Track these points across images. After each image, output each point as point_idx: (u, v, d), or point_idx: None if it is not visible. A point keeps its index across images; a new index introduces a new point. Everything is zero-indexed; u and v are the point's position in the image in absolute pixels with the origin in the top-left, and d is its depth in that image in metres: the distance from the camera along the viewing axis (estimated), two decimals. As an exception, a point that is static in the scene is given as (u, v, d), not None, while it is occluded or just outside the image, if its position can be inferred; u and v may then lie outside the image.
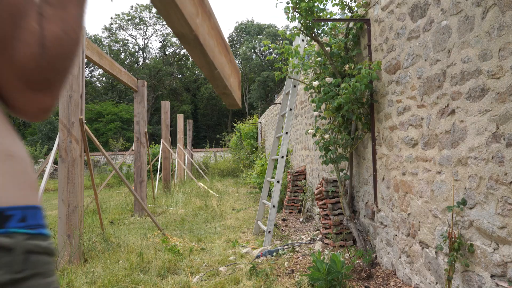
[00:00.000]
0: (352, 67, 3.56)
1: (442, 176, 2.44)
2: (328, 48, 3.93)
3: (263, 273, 3.30)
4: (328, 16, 3.85)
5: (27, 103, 0.50)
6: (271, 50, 30.91)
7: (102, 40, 41.86)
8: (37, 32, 0.48)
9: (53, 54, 0.49)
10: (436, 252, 2.54)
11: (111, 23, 42.65)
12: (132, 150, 9.09)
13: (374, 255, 3.56)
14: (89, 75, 43.04)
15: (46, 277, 0.46)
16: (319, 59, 4.08)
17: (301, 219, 6.13)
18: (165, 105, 11.49)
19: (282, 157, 4.88)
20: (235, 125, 18.46)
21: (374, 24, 3.49)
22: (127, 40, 43.32)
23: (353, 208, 4.13)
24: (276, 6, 3.89)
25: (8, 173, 0.46)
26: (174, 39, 44.00)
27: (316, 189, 4.45)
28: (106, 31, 42.61)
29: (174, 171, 13.45)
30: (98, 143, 4.83)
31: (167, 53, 44.83)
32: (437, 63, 2.47)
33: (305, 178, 6.94)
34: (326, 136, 3.88)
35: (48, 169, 4.38)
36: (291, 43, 5.10)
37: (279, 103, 9.67)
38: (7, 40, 0.46)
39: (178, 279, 3.46)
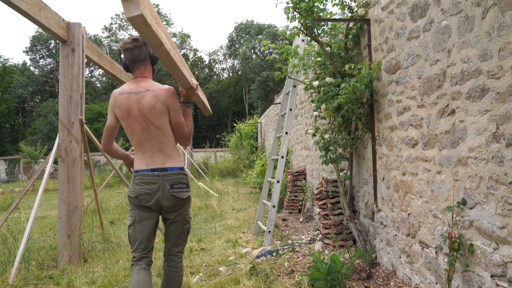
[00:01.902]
0: (352, 67, 3.56)
1: (442, 176, 2.44)
2: (328, 48, 3.93)
3: (263, 273, 3.30)
4: (328, 16, 3.85)
5: (185, 144, 2.47)
6: (271, 50, 30.88)
7: (102, 40, 41.84)
8: (187, 129, 2.41)
9: (190, 133, 2.43)
10: (436, 252, 2.54)
11: (111, 23, 42.64)
12: (132, 150, 9.08)
13: (374, 255, 3.56)
14: (89, 75, 43.03)
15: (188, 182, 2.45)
16: (319, 59, 4.08)
17: (301, 219, 6.13)
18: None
19: (282, 157, 4.88)
20: (235, 125, 18.47)
21: (374, 24, 3.49)
22: (127, 40, 43.26)
23: (353, 208, 4.13)
24: (276, 6, 3.89)
25: (180, 158, 2.41)
26: (174, 39, 43.98)
27: (316, 189, 4.45)
28: (106, 31, 42.60)
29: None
30: (98, 143, 4.83)
31: (167, 53, 44.73)
32: (437, 63, 2.47)
33: (305, 178, 6.94)
34: (326, 136, 3.88)
35: (48, 169, 4.38)
36: (291, 43, 5.09)
37: (279, 103, 9.67)
38: (182, 132, 2.39)
39: (178, 279, 3.46)
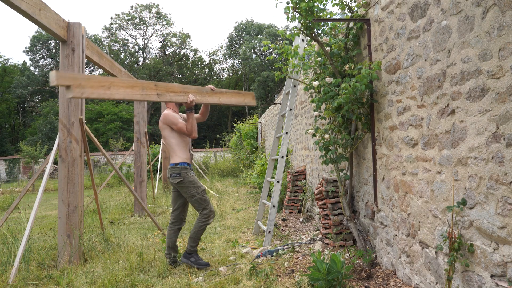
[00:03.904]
0: (352, 67, 3.56)
1: (442, 176, 2.44)
2: (328, 48, 3.93)
3: (263, 273, 3.30)
4: (328, 16, 3.84)
5: (190, 137, 3.87)
6: (271, 50, 30.84)
7: (102, 40, 41.83)
8: (186, 129, 3.79)
9: (189, 131, 3.80)
10: (436, 252, 2.54)
11: (111, 23, 42.64)
12: (132, 150, 9.08)
13: (374, 255, 3.56)
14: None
15: (188, 173, 3.78)
16: (319, 59, 4.08)
17: (301, 219, 6.13)
18: (165, 105, 11.49)
19: (282, 157, 4.88)
20: (235, 125, 18.46)
21: (374, 24, 3.49)
22: (127, 40, 43.32)
23: (353, 208, 4.13)
24: (276, 6, 3.89)
25: (177, 157, 3.79)
26: (174, 39, 43.98)
27: (316, 189, 4.45)
28: (106, 31, 42.60)
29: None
30: (98, 143, 4.83)
31: (167, 53, 44.80)
32: (437, 63, 2.47)
33: (305, 178, 6.94)
34: (326, 136, 3.88)
35: (48, 169, 4.38)
36: (291, 43, 5.09)
37: (279, 103, 9.67)
38: (184, 133, 3.82)
39: (178, 279, 3.46)
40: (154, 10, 42.55)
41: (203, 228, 3.78)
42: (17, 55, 71.79)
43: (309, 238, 4.64)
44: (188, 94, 3.80)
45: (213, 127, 41.69)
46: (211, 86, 4.08)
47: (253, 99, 4.54)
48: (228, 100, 4.29)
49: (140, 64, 43.73)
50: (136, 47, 43.78)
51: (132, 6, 47.74)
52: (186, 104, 3.79)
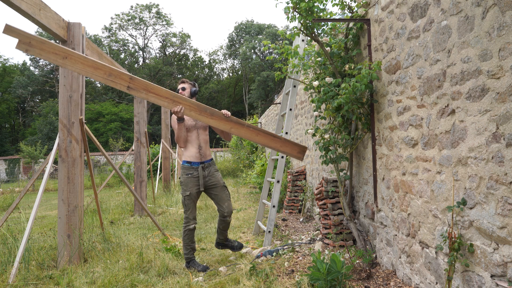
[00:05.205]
0: (352, 67, 3.56)
1: (442, 176, 2.44)
2: (328, 48, 3.93)
3: (263, 273, 3.30)
4: (328, 16, 3.84)
5: (179, 145, 3.80)
6: (271, 50, 30.85)
7: (102, 40, 41.84)
8: (176, 136, 3.68)
9: (176, 140, 3.67)
10: (436, 252, 2.54)
11: (111, 23, 42.65)
12: (132, 150, 9.08)
13: (374, 255, 3.56)
14: (89, 75, 42.97)
15: (184, 174, 3.75)
16: (319, 59, 4.08)
17: (301, 219, 6.13)
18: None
19: (282, 157, 4.88)
20: (235, 125, 18.40)
21: (374, 24, 3.49)
22: (127, 40, 43.32)
23: (353, 208, 4.13)
24: (276, 6, 3.88)
25: (185, 156, 3.77)
26: (174, 39, 43.98)
27: (316, 189, 4.45)
28: (106, 31, 42.60)
29: (174, 171, 13.47)
30: (98, 143, 4.83)
31: (167, 53, 44.81)
32: (437, 63, 2.47)
33: (305, 178, 6.94)
34: (326, 136, 3.88)
35: (48, 169, 4.38)
36: (291, 43, 5.09)
37: (279, 103, 9.67)
38: (180, 140, 3.72)
39: (178, 279, 3.46)
40: (154, 10, 42.56)
41: (185, 233, 3.75)
42: (17, 55, 71.89)
43: (309, 238, 4.64)
44: (177, 104, 3.43)
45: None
46: (225, 111, 3.60)
47: (299, 154, 3.78)
48: (247, 136, 3.62)
49: (140, 64, 43.73)
50: (136, 47, 43.79)
51: (132, 6, 47.75)
52: (174, 113, 3.54)
